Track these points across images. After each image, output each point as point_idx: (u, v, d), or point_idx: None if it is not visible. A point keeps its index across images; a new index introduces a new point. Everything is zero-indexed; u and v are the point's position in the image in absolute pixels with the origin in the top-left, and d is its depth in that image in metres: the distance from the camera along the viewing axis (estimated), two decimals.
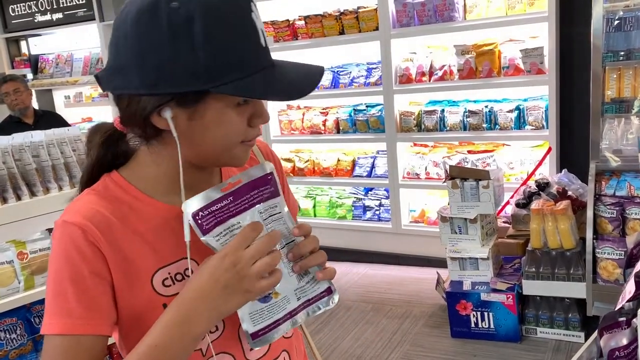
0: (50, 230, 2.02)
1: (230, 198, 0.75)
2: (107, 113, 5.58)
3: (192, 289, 0.73)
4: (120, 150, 0.85)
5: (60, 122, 3.97)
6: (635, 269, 0.79)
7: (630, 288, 0.75)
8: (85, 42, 5.58)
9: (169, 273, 0.80)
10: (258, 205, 0.77)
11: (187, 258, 0.77)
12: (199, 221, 0.74)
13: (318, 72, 0.80)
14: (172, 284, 0.79)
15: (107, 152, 0.84)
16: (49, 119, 4.04)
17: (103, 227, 0.77)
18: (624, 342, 0.70)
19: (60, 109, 5.81)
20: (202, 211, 0.74)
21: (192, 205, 0.74)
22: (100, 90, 5.79)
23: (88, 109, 5.87)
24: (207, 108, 0.74)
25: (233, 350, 0.84)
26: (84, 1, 5.27)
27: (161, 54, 0.70)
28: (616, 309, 0.77)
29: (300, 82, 0.78)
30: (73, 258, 0.75)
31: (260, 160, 0.95)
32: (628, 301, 0.75)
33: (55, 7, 5.45)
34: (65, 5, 5.39)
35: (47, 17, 5.51)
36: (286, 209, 0.81)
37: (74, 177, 2.09)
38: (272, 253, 0.74)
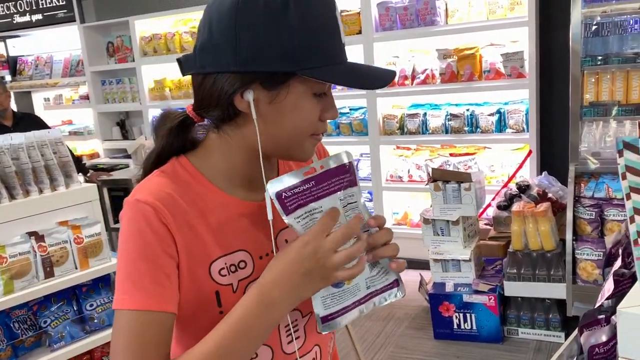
0: (30, 233, 1.99)
1: (312, 182, 0.75)
2: (87, 116, 5.52)
3: (273, 274, 0.75)
4: (190, 138, 0.87)
5: (41, 125, 3.91)
6: (614, 268, 0.81)
7: (609, 286, 0.76)
8: (65, 43, 5.51)
9: (226, 263, 0.82)
10: (338, 193, 0.77)
11: (239, 250, 0.83)
12: (284, 201, 0.75)
13: (391, 71, 0.85)
14: (227, 274, 0.82)
15: (177, 139, 0.86)
16: (28, 121, 3.98)
17: (173, 209, 0.79)
18: (604, 338, 0.72)
19: (40, 111, 5.73)
20: (286, 192, 0.75)
21: (276, 185, 0.75)
22: (80, 92, 5.72)
23: (68, 112, 5.80)
24: (289, 92, 0.78)
25: (271, 342, 0.87)
26: (64, 2, 5.21)
27: (256, 34, 0.75)
28: (595, 307, 0.79)
29: (377, 75, 0.82)
30: (146, 236, 0.77)
31: (313, 159, 0.99)
32: (607, 299, 0.77)
33: (34, 8, 5.38)
34: (44, 6, 5.32)
35: (26, 18, 5.43)
36: (362, 199, 0.82)
37: (54, 179, 2.07)
38: (355, 245, 0.75)
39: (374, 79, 0.82)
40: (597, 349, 0.71)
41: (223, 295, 0.81)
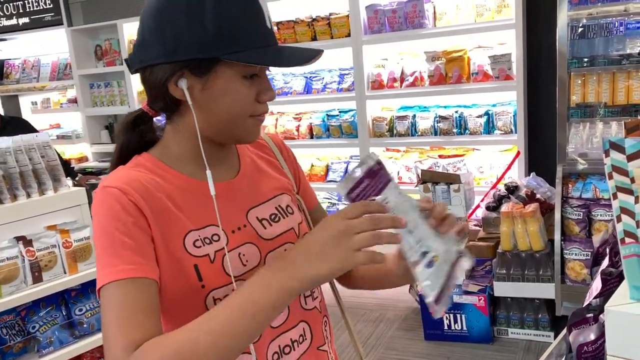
0: (18, 238, 1.97)
1: (368, 180, 0.77)
2: (76, 119, 5.48)
3: (297, 244, 0.77)
4: (148, 134, 0.93)
5: (28, 129, 3.87)
6: (602, 267, 0.82)
7: (597, 285, 0.77)
8: (53, 47, 5.47)
9: (199, 235, 0.86)
10: (390, 183, 0.79)
11: (210, 225, 0.87)
12: (356, 199, 0.76)
13: (316, 50, 0.87)
14: (202, 245, 0.86)
15: (133, 134, 0.92)
16: (16, 125, 3.93)
17: (141, 191, 0.83)
18: (592, 337, 0.72)
19: (27, 115, 5.67)
20: (352, 192, 0.75)
21: (344, 188, 0.76)
22: (68, 96, 5.67)
23: (56, 115, 5.75)
24: (218, 77, 0.83)
25: None
26: (51, 5, 5.17)
27: (178, 25, 0.81)
28: (584, 306, 0.79)
29: (300, 55, 0.86)
30: (118, 212, 0.81)
31: (274, 151, 1.05)
32: (595, 297, 0.77)
33: (21, 11, 5.33)
34: (32, 9, 5.28)
35: (13, 21, 5.38)
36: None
37: (43, 183, 2.05)
38: (376, 232, 0.72)
39: (295, 57, 0.85)
40: (585, 347, 0.72)
41: (202, 268, 0.84)
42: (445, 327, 2.96)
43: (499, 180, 3.41)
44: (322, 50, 0.88)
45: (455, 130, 3.69)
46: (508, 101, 3.59)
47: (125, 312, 0.76)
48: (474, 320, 2.91)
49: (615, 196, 0.59)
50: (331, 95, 4.10)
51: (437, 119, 3.75)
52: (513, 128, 3.50)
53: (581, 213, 2.77)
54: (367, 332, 3.19)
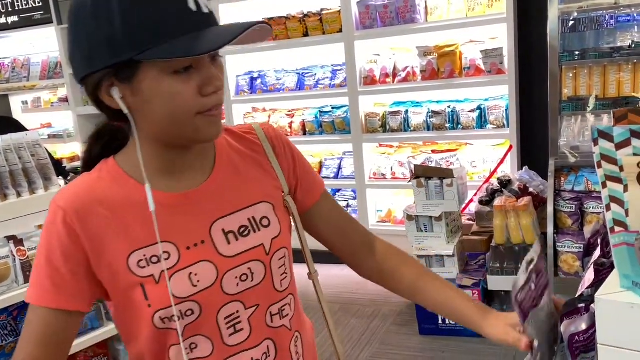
0: (8, 237, 1.95)
1: (532, 282, 0.76)
2: (67, 118, 5.44)
3: None
4: (115, 142, 0.89)
5: (18, 128, 3.84)
6: (594, 258, 0.82)
7: (589, 276, 0.77)
8: (43, 46, 5.42)
9: (145, 255, 0.82)
10: (548, 287, 0.79)
11: (162, 242, 0.82)
12: (522, 304, 0.76)
13: (249, 23, 0.76)
14: (147, 266, 0.82)
15: (97, 144, 0.90)
16: (5, 124, 3.90)
17: (83, 212, 0.81)
18: (583, 326, 0.73)
19: (18, 114, 5.63)
20: (519, 294, 0.75)
21: (513, 290, 0.75)
22: (59, 95, 5.64)
23: (47, 115, 5.71)
24: (143, 79, 0.76)
25: (209, 334, 0.86)
26: (40, 4, 5.13)
27: (88, 31, 0.75)
28: (576, 296, 0.79)
29: (230, 31, 0.75)
30: (50, 238, 0.81)
31: (264, 147, 0.96)
32: (587, 288, 0.78)
33: (10, 10, 5.28)
34: (21, 8, 5.23)
35: (2, 20, 5.33)
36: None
37: (33, 183, 2.03)
38: None
39: (220, 38, 0.74)
40: (577, 337, 0.72)
41: (147, 288, 0.81)
42: (440, 322, 2.97)
43: (491, 174, 3.42)
44: (258, 22, 0.77)
45: (447, 125, 3.69)
46: (500, 95, 3.59)
47: (25, 334, 0.82)
48: None
49: (604, 185, 0.59)
50: (324, 91, 4.09)
51: (430, 114, 3.75)
52: (505, 122, 3.51)
53: (573, 206, 2.78)
54: (362, 327, 3.19)
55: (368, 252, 1.07)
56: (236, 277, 0.86)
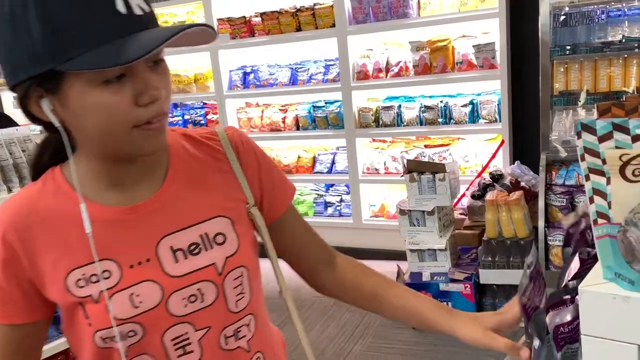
0: None
1: (532, 284, 0.76)
2: None
3: None
4: (61, 154, 0.82)
5: (9, 123, 3.82)
6: (580, 248, 0.83)
7: (575, 265, 0.78)
8: None
9: (84, 274, 0.78)
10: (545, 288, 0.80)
11: (103, 260, 0.77)
12: (526, 304, 0.77)
13: (179, 29, 0.68)
14: (86, 285, 0.77)
15: (44, 154, 0.84)
16: None
17: (22, 229, 0.78)
18: (568, 318, 0.73)
19: (9, 110, 5.59)
20: (523, 295, 0.75)
21: (518, 293, 0.75)
22: None
23: None
24: (69, 91, 0.70)
25: (157, 355, 0.82)
26: None
27: (6, 39, 0.70)
28: (561, 287, 0.80)
29: (159, 36, 0.68)
30: None
31: (227, 154, 0.89)
32: (572, 279, 0.78)
33: None
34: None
35: None
36: None
37: (24, 178, 2.02)
38: None
39: (148, 44, 0.67)
40: (562, 328, 0.73)
41: (87, 307, 0.77)
42: None
43: (484, 169, 3.43)
44: (196, 25, 0.70)
45: (440, 120, 3.70)
46: (492, 90, 3.61)
47: None
48: (460, 308, 2.91)
49: (587, 178, 0.60)
50: (317, 86, 4.09)
51: (423, 108, 3.76)
52: (497, 117, 3.52)
53: (564, 200, 2.80)
54: (355, 321, 3.21)
55: (328, 267, 1.02)
56: (184, 298, 0.81)
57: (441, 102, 3.72)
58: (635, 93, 2.67)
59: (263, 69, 4.31)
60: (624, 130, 0.55)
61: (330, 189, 4.30)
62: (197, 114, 4.61)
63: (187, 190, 0.84)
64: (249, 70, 4.34)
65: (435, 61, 3.61)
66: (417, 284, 3.00)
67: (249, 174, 0.90)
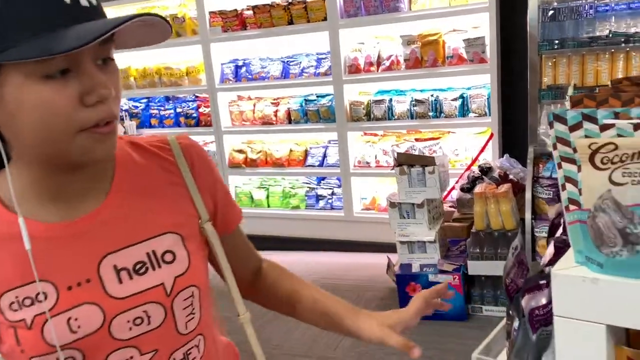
0: None
1: (515, 268, 0.83)
2: None
3: None
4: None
5: None
6: (555, 236, 0.86)
7: (550, 251, 0.81)
8: None
9: (17, 296, 0.71)
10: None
11: (38, 281, 0.70)
12: (509, 286, 0.83)
13: (125, 18, 0.62)
14: (19, 309, 0.71)
15: None
16: None
17: None
18: (543, 301, 0.77)
19: None
20: (507, 277, 0.82)
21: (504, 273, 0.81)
22: None
23: None
24: (4, 85, 0.63)
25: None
26: None
27: None
28: (538, 273, 0.84)
29: (99, 27, 0.62)
30: None
31: (179, 165, 0.83)
32: (547, 265, 0.82)
33: None
34: None
35: None
36: None
37: None
38: None
39: (88, 34, 0.61)
40: (537, 310, 0.76)
41: (19, 332, 0.71)
42: None
43: (473, 162, 3.47)
44: (146, 14, 0.65)
45: (431, 114, 3.73)
46: (482, 84, 3.64)
47: None
48: (449, 299, 2.97)
49: (560, 166, 0.63)
50: (309, 79, 4.10)
51: (413, 102, 3.78)
52: (487, 111, 3.56)
53: (551, 192, 2.84)
54: None
55: (258, 274, 1.01)
56: (128, 321, 0.75)
57: (432, 96, 3.75)
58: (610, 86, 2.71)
59: (255, 62, 4.32)
60: (593, 120, 0.58)
61: (322, 182, 4.32)
62: (189, 106, 4.61)
63: (133, 204, 0.78)
64: (240, 63, 4.35)
65: (426, 55, 3.64)
66: (406, 275, 3.04)
67: (202, 187, 0.85)
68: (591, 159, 0.59)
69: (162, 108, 4.69)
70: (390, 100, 3.88)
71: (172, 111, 4.66)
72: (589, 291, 0.63)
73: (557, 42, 2.88)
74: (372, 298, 3.36)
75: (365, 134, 4.13)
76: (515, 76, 3.55)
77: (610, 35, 2.79)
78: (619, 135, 0.57)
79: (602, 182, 0.59)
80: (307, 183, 4.38)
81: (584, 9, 2.90)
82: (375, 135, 4.11)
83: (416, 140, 3.88)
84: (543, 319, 0.76)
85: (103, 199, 0.76)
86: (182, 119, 4.62)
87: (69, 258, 0.73)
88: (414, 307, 0.93)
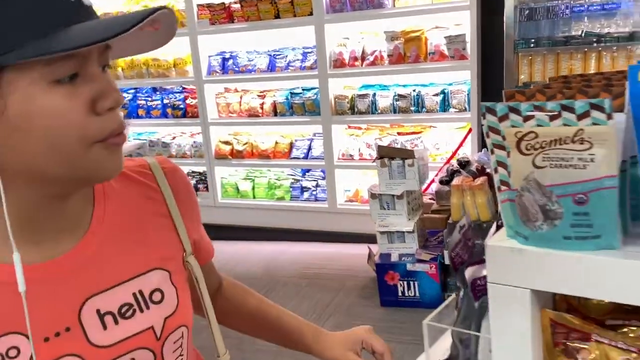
0: None
1: (462, 242, 0.96)
2: None
3: None
4: None
5: None
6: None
7: (492, 231, 0.91)
8: None
9: None
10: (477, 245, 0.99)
11: (7, 334, 0.61)
12: (454, 258, 0.92)
13: (144, 14, 0.55)
14: None
15: None
16: None
17: None
18: (484, 273, 0.86)
19: None
20: (453, 250, 0.90)
21: (448, 246, 0.89)
22: None
23: None
24: (9, 91, 0.55)
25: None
26: None
27: None
28: (482, 249, 0.93)
29: (109, 27, 0.55)
30: None
31: (163, 191, 0.75)
32: None
33: None
34: None
35: None
36: None
37: None
38: None
39: (108, 29, 0.55)
40: (478, 281, 0.86)
41: None
42: (400, 294, 3.14)
43: (452, 155, 3.58)
44: (158, 9, 0.56)
45: (412, 109, 3.83)
46: (463, 80, 3.74)
47: None
48: (426, 287, 3.09)
49: (492, 152, 0.72)
50: (294, 73, 4.18)
51: (396, 97, 3.88)
52: (467, 106, 3.66)
53: None
54: (327, 300, 3.34)
55: (219, 294, 0.96)
56: None
57: (414, 91, 3.85)
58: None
59: (242, 55, 4.39)
60: (517, 112, 0.67)
61: (307, 174, 4.41)
62: (176, 98, 4.67)
63: (117, 239, 0.70)
64: (227, 56, 4.41)
65: (408, 51, 3.73)
66: (385, 264, 3.14)
67: (186, 217, 0.78)
68: (517, 146, 0.68)
69: (150, 99, 4.74)
70: (374, 94, 3.97)
71: (159, 102, 4.71)
72: (516, 260, 0.72)
73: (533, 40, 2.99)
74: (353, 287, 3.47)
75: (349, 127, 4.22)
76: (495, 73, 3.65)
77: (583, 35, 2.90)
78: (539, 125, 0.66)
79: (526, 165, 0.69)
80: (292, 175, 4.47)
81: (560, 9, 3.01)
82: (359, 128, 4.20)
83: (399, 134, 3.98)
84: (483, 289, 0.85)
85: (82, 235, 0.68)
86: (169, 110, 4.68)
87: (45, 304, 0.63)
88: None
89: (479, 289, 0.86)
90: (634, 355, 0.69)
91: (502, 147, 0.71)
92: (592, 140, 0.64)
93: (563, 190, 0.67)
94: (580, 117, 0.63)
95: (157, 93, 4.77)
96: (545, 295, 0.76)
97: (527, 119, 0.67)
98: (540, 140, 0.67)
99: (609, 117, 0.62)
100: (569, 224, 0.68)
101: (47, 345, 0.63)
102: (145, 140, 4.80)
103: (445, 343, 1.00)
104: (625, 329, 0.73)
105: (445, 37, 3.61)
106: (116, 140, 0.61)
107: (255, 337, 0.99)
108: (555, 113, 0.64)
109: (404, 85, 3.96)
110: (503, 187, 0.73)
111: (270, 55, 4.31)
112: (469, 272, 0.87)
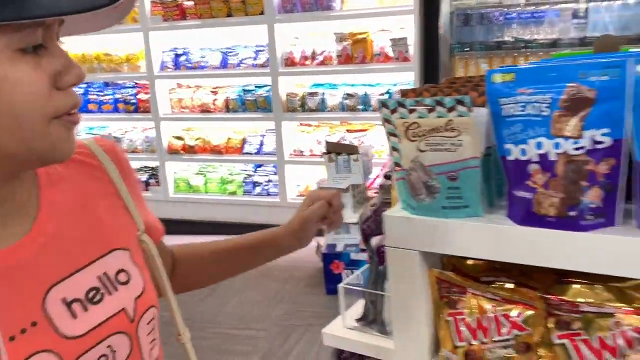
0: None
1: (373, 218, 1.14)
2: None
3: None
4: None
5: None
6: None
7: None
8: None
9: None
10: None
11: None
12: (366, 230, 1.10)
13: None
14: None
15: None
16: None
17: None
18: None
19: None
20: (364, 224, 1.10)
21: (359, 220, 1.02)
22: None
23: None
24: None
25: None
26: None
27: None
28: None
29: (72, 2, 0.52)
30: None
31: (105, 164, 0.72)
32: None
33: None
34: None
35: None
36: None
37: None
38: None
39: (74, 2, 0.52)
40: (382, 248, 1.02)
41: None
42: None
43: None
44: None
45: (360, 107, 4.01)
46: (407, 81, 3.94)
47: None
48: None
49: (388, 138, 0.88)
50: (247, 70, 4.29)
51: (345, 96, 4.05)
52: None
53: None
54: (275, 289, 3.48)
55: (173, 266, 0.93)
56: None
57: (362, 90, 4.03)
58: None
59: (194, 52, 4.46)
60: (404, 106, 0.83)
61: (259, 169, 4.53)
62: (128, 93, 4.70)
63: (70, 223, 0.65)
64: (180, 52, 4.48)
65: (356, 52, 3.91)
66: (331, 254, 3.31)
67: (133, 194, 0.75)
68: (405, 134, 0.84)
69: (101, 94, 4.75)
70: (324, 93, 4.13)
71: (111, 97, 4.73)
72: (406, 227, 0.88)
73: (468, 44, 3.22)
74: (302, 277, 3.62)
75: (301, 124, 4.36)
76: (436, 75, 3.88)
77: (513, 40, 3.15)
78: (420, 117, 0.82)
79: (413, 150, 0.84)
80: (244, 170, 4.58)
81: (494, 16, 3.25)
82: (310, 125, 4.36)
83: (347, 131, 4.16)
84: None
85: (31, 223, 0.61)
86: (120, 105, 4.71)
87: (4, 300, 0.56)
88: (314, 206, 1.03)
89: (382, 254, 1.02)
90: (500, 302, 0.86)
91: (395, 135, 0.86)
92: (459, 129, 0.80)
93: (440, 169, 0.83)
94: (450, 109, 0.80)
95: (109, 88, 4.78)
96: (433, 256, 0.92)
97: (411, 111, 0.83)
98: (422, 129, 0.83)
99: (470, 110, 0.78)
100: (445, 197, 0.84)
101: (13, 345, 0.56)
102: (97, 134, 4.81)
103: (361, 306, 1.16)
104: (495, 285, 0.90)
105: (390, 40, 3.80)
106: (73, 119, 0.58)
107: (232, 276, 0.99)
108: (431, 107, 0.81)
109: (352, 85, 4.14)
110: (397, 168, 0.89)
111: (222, 52, 4.41)
112: (375, 241, 1.03)
